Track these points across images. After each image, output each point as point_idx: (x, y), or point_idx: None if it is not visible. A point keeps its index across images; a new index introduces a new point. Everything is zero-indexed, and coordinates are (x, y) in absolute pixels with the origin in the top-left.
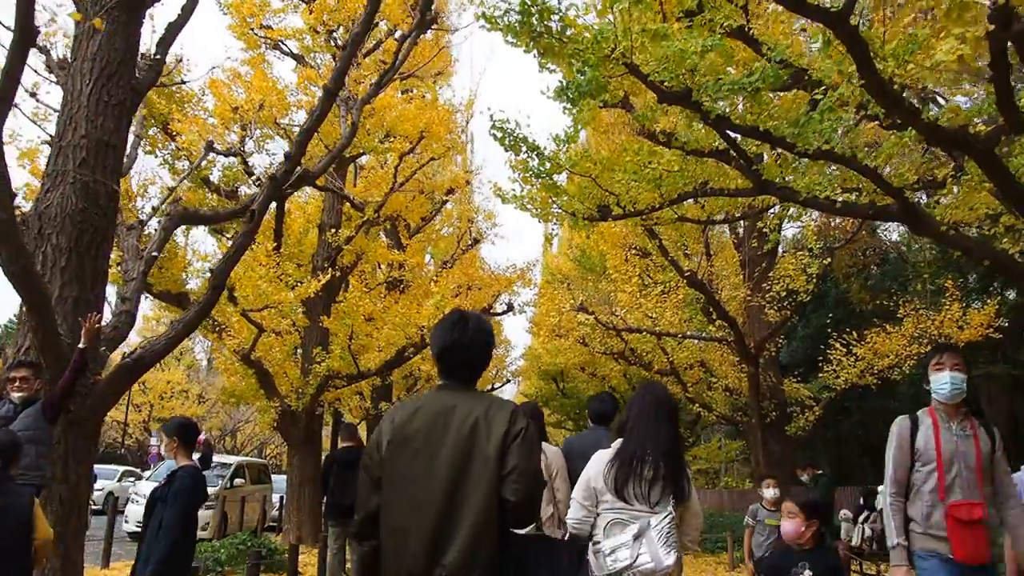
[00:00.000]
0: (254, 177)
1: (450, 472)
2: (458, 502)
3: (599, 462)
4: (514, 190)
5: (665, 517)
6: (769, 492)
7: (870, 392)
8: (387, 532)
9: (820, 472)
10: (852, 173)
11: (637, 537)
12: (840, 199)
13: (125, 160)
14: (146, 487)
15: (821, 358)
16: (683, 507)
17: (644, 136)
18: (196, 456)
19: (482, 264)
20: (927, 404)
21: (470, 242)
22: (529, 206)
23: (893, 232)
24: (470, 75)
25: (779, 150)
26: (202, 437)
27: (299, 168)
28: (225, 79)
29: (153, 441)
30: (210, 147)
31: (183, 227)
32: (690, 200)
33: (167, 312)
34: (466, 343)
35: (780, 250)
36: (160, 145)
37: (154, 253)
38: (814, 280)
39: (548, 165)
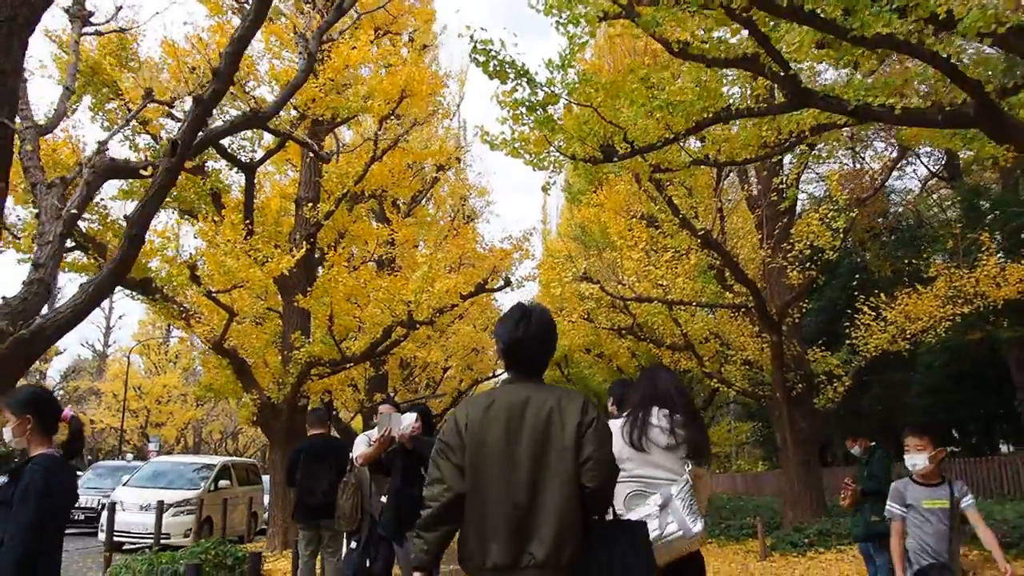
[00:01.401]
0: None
1: (530, 463)
2: (540, 492)
3: (613, 432)
4: (503, 133)
5: (684, 485)
6: (920, 459)
7: (890, 364)
8: (468, 525)
9: (874, 443)
10: (915, 72)
11: (663, 507)
12: (899, 105)
13: (52, 114)
14: (125, 493)
15: (848, 323)
16: (698, 474)
17: (657, 42)
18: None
19: (477, 238)
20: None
21: (463, 220)
22: (522, 151)
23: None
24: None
25: None
26: (67, 413)
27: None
28: (187, 47)
29: (151, 447)
30: (149, 95)
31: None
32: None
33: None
34: (531, 338)
35: (798, 209)
36: (118, 119)
37: (74, 211)
38: (840, 236)
39: (541, 95)
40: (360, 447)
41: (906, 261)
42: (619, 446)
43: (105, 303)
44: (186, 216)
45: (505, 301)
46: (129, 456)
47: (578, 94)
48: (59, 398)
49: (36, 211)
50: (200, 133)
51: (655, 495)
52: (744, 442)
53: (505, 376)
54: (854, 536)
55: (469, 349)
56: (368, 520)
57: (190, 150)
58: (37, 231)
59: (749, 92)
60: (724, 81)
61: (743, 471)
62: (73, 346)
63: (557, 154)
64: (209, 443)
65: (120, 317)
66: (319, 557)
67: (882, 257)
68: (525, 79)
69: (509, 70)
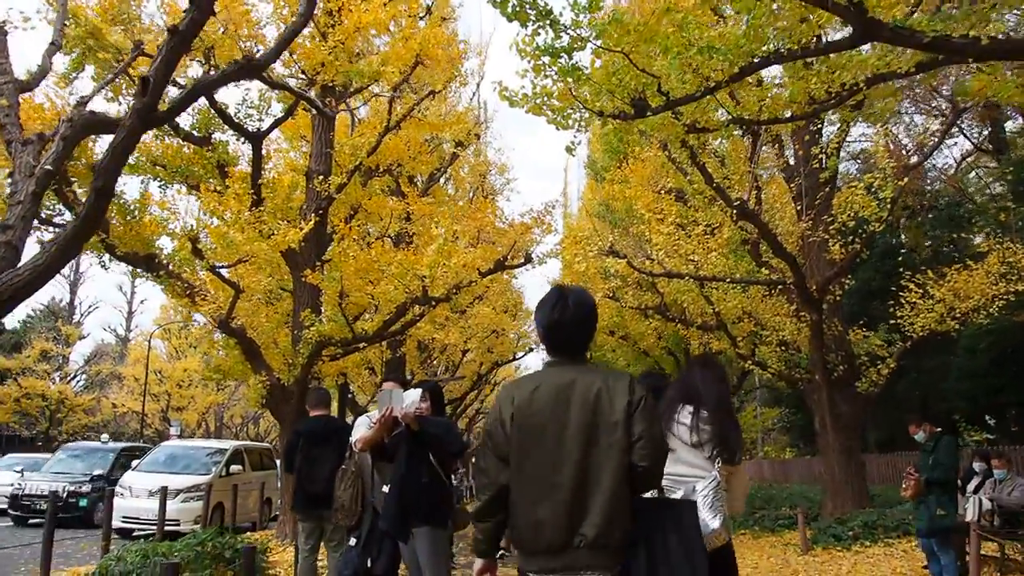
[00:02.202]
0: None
1: (579, 444)
2: (590, 472)
3: None
4: (523, 88)
5: (711, 482)
6: None
7: (928, 349)
8: (519, 508)
9: (940, 429)
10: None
11: None
12: (986, 36)
13: (36, 70)
14: (133, 478)
15: (883, 304)
16: (731, 471)
17: None
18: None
19: (496, 211)
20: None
21: (483, 197)
22: (544, 107)
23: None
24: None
25: None
26: None
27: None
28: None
29: (172, 430)
30: (138, 48)
31: (157, 180)
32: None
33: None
34: (568, 320)
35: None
36: (123, 92)
37: (48, 167)
38: (887, 206)
39: (566, 40)
40: (360, 429)
41: (946, 240)
42: None
43: (127, 288)
44: (194, 191)
45: (526, 282)
46: (105, 437)
47: (607, 37)
48: (83, 382)
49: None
50: (172, 80)
51: (679, 491)
52: (771, 428)
53: (546, 359)
54: (917, 530)
55: (489, 331)
56: (370, 513)
57: (163, 89)
58: (8, 190)
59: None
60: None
61: (770, 458)
62: (96, 331)
63: (583, 110)
64: (231, 427)
65: (142, 302)
66: (322, 551)
67: (920, 236)
68: (548, 20)
69: (530, 10)
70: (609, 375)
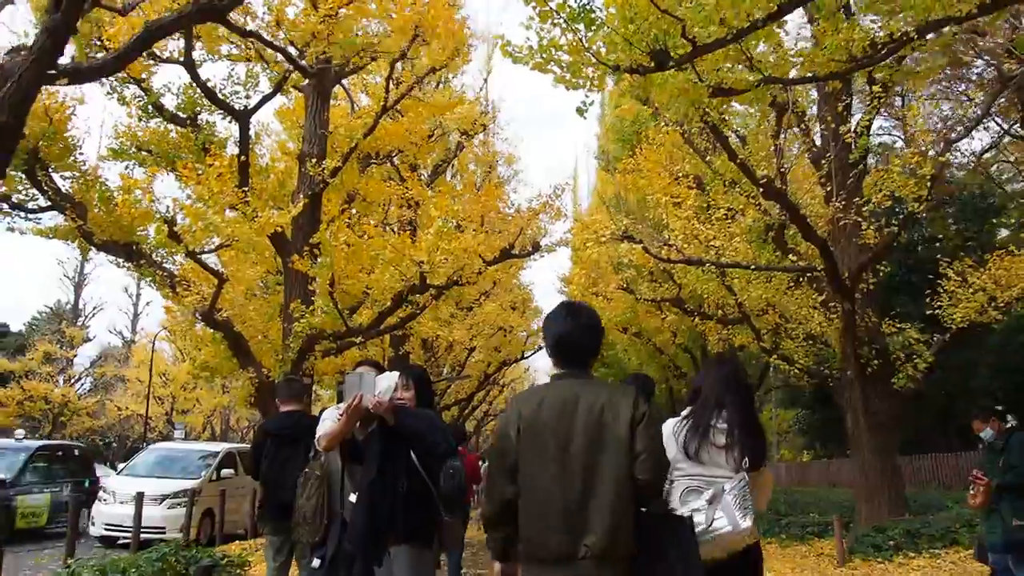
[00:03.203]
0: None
1: (584, 456)
2: (594, 484)
3: (666, 434)
4: (528, 40)
5: (740, 482)
6: None
7: (954, 344)
8: (526, 519)
9: (1012, 426)
10: None
11: (711, 501)
12: None
13: None
14: (117, 483)
15: (925, 294)
16: (756, 474)
17: None
18: None
19: (502, 195)
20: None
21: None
22: (552, 63)
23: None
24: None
25: None
26: None
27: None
28: None
29: (177, 433)
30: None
31: (139, 167)
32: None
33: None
34: (579, 333)
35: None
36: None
37: None
38: (927, 184)
39: None
40: (325, 423)
41: (972, 232)
42: (672, 451)
43: (132, 290)
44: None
45: (535, 278)
46: (20, 433)
47: None
48: (88, 385)
49: None
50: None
51: (708, 491)
52: (787, 431)
53: (553, 371)
54: (989, 544)
55: (496, 328)
56: (338, 527)
57: (81, 5)
58: None
59: None
60: None
61: (786, 460)
62: (102, 333)
63: (595, 64)
64: (237, 431)
65: (148, 304)
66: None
67: (946, 228)
68: None
69: None
70: (614, 389)
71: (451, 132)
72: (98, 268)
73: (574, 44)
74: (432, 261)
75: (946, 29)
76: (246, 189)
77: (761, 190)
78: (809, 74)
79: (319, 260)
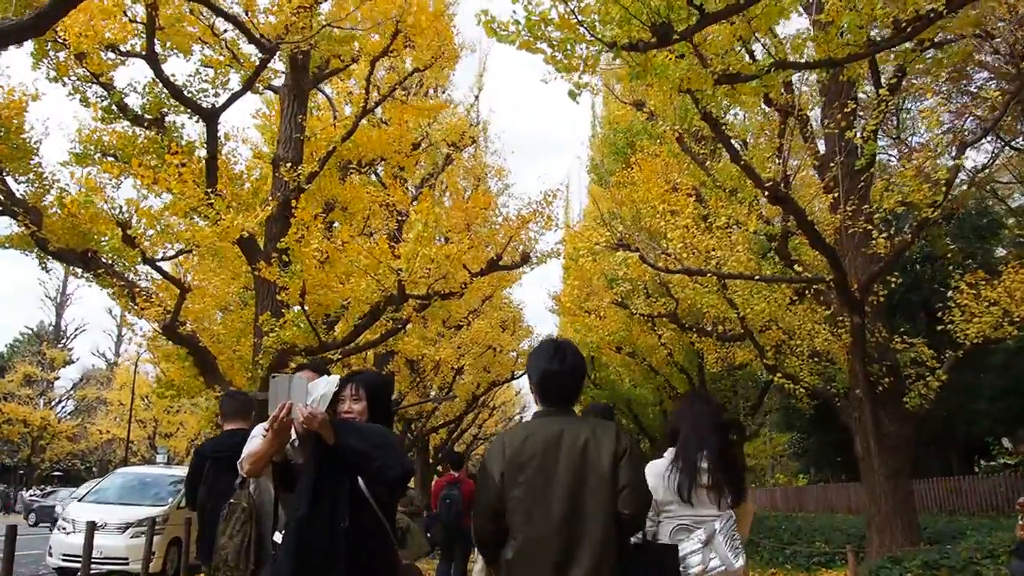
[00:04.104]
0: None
1: (569, 491)
2: (580, 518)
3: (655, 474)
4: (515, 14)
5: (728, 520)
6: None
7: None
8: (512, 553)
9: None
10: None
11: (706, 543)
12: None
13: None
14: (78, 510)
15: (933, 311)
16: (739, 508)
17: None
18: None
19: (490, 203)
20: None
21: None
22: (541, 41)
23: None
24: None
25: None
26: None
27: None
28: None
29: (160, 457)
30: None
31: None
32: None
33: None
34: (564, 371)
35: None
36: (68, 71)
37: None
38: (943, 190)
39: None
40: (253, 441)
41: (975, 248)
42: (662, 494)
43: (116, 311)
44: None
45: (526, 298)
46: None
47: None
48: (69, 407)
49: None
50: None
51: (699, 530)
52: (782, 454)
53: (536, 408)
54: None
55: (485, 347)
56: (269, 568)
57: None
58: None
59: None
60: None
61: (781, 485)
62: (86, 355)
63: (589, 40)
64: None
65: (133, 325)
66: None
67: (944, 246)
68: None
69: None
70: (596, 425)
71: (439, 145)
72: (80, 288)
73: (565, 18)
74: (411, 269)
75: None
76: (210, 191)
77: (766, 194)
78: (825, 58)
79: (288, 268)
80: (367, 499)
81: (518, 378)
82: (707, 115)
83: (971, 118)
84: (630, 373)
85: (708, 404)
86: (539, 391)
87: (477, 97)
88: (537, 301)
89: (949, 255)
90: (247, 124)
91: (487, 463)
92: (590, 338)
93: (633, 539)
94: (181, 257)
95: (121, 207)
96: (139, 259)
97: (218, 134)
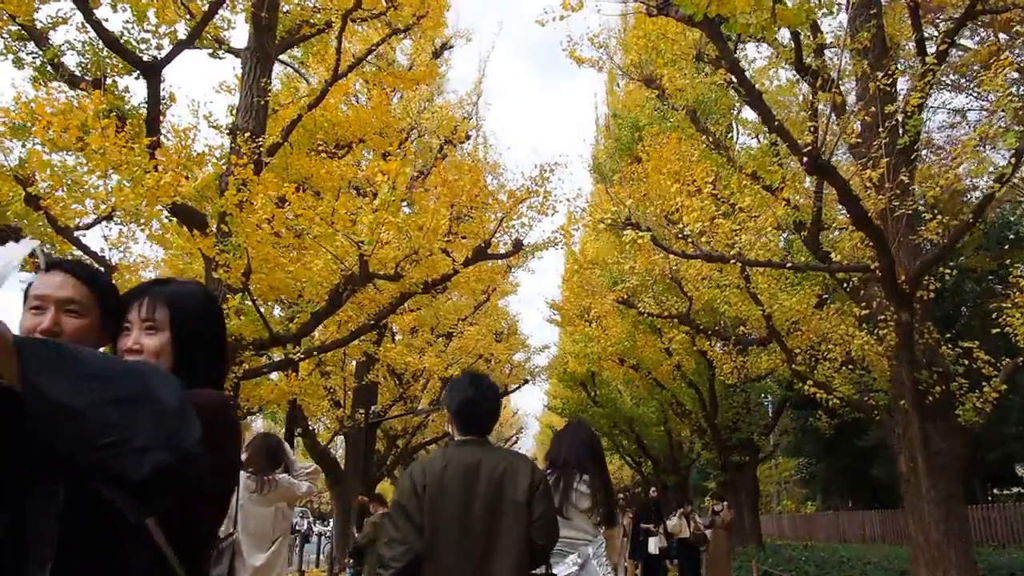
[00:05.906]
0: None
1: (486, 518)
2: (496, 545)
3: None
4: None
5: (599, 545)
6: None
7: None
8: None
9: None
10: None
11: (582, 567)
12: None
13: None
14: None
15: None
16: (611, 532)
17: None
18: None
19: (479, 179)
20: None
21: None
22: None
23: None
24: None
25: None
26: None
27: None
28: None
29: None
30: None
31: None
32: None
33: None
34: (480, 399)
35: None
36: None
37: None
38: (1012, 161)
39: None
40: None
41: (1001, 262)
42: None
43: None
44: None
45: (522, 309)
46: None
47: None
48: None
49: None
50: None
51: (573, 555)
52: (788, 479)
53: (457, 438)
54: None
55: (476, 356)
56: None
57: None
58: None
59: None
60: None
61: (788, 512)
62: None
63: None
64: None
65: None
66: None
67: (975, 256)
68: None
69: None
70: (512, 456)
71: (429, 136)
72: None
73: None
74: (375, 240)
75: None
76: (135, 145)
77: (803, 162)
78: None
79: (228, 240)
80: (115, 521)
81: (511, 392)
82: (734, 64)
83: None
84: (633, 390)
85: (588, 432)
86: (458, 419)
87: (476, 104)
88: (535, 313)
89: (972, 269)
90: (211, 98)
91: (408, 483)
92: (591, 350)
93: (535, 572)
94: (118, 230)
95: (22, 160)
96: (44, 223)
97: (160, 92)
